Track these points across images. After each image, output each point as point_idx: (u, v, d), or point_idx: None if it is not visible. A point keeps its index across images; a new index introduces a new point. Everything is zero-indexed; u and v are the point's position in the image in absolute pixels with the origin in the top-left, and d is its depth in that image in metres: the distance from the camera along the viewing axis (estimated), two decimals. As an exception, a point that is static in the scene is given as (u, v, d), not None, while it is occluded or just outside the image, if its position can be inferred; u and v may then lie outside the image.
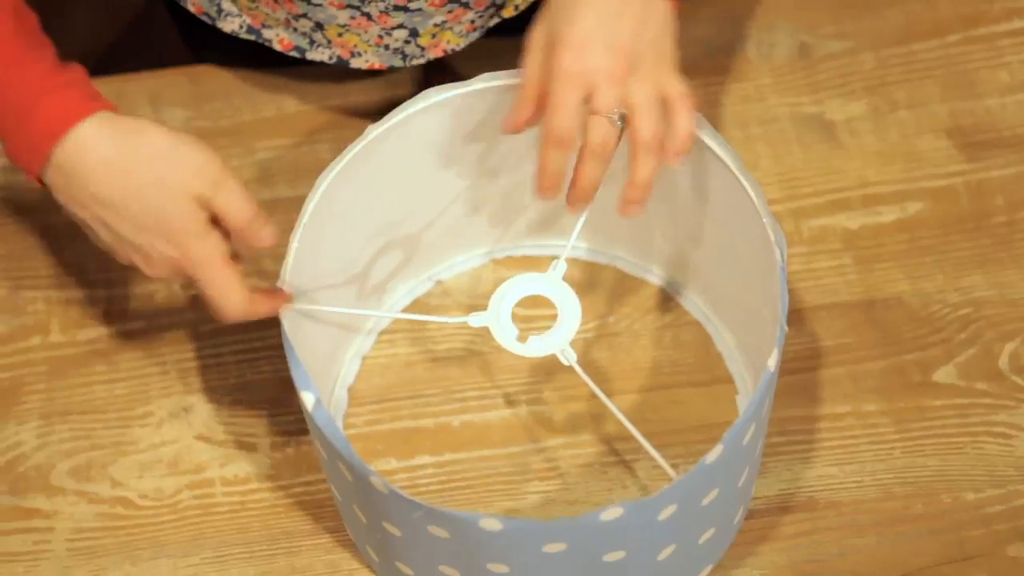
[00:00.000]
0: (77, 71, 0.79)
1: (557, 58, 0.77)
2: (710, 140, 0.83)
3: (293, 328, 0.79)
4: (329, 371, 0.90)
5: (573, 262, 0.95)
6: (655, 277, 0.95)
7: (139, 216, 0.76)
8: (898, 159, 0.99)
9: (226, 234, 0.78)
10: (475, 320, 0.82)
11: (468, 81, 0.84)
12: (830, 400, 0.90)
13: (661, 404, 0.90)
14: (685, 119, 0.78)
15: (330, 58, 0.97)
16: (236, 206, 0.77)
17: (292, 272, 0.80)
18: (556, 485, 0.88)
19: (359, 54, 0.97)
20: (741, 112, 1.01)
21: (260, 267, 0.96)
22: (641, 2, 0.77)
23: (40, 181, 0.78)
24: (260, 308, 0.78)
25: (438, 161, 0.88)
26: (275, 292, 0.79)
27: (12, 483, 0.89)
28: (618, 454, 0.88)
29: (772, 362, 0.76)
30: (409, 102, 0.84)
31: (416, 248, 0.93)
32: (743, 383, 0.91)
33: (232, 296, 0.77)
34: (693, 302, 0.94)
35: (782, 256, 0.79)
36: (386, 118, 0.84)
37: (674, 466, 0.83)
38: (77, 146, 0.76)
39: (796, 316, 0.93)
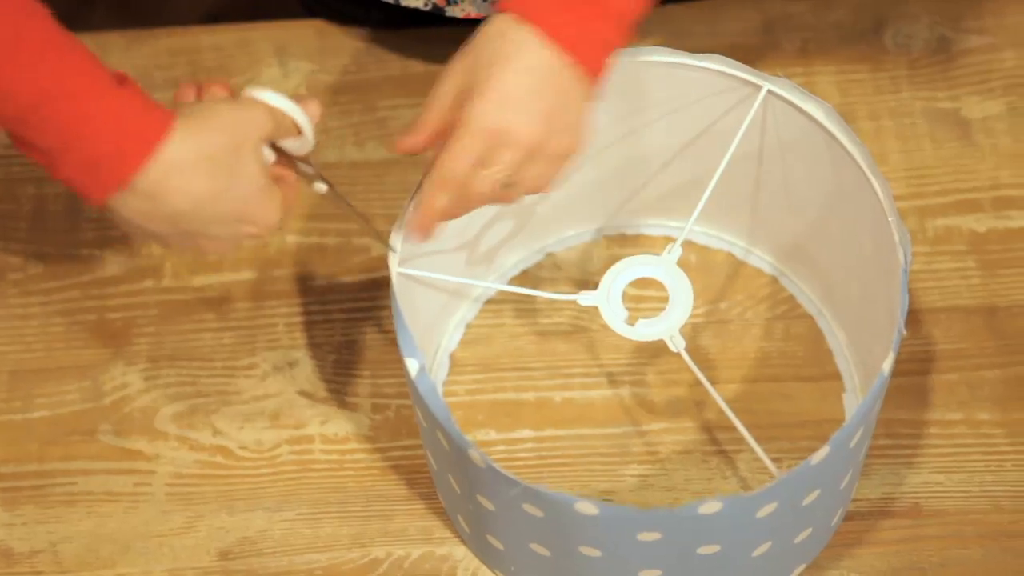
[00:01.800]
0: (119, 72, 0.67)
1: (471, 107, 0.73)
2: (841, 134, 0.81)
3: (402, 292, 0.78)
4: (433, 336, 0.90)
5: (687, 245, 0.94)
6: (769, 267, 0.94)
7: (220, 211, 0.71)
8: (1033, 163, 0.96)
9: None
10: (585, 299, 0.81)
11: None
12: (942, 406, 0.88)
13: (767, 396, 0.89)
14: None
15: (425, 4, 0.95)
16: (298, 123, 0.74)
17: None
18: (655, 469, 0.87)
19: (455, 2, 0.95)
20: (874, 103, 0.99)
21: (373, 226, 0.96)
22: (567, 80, 0.74)
23: (96, 200, 0.68)
24: (289, 207, 0.75)
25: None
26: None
27: (117, 423, 0.90)
28: (719, 444, 0.87)
29: (886, 366, 0.74)
30: None
31: (528, 219, 0.92)
32: (851, 381, 0.89)
33: (277, 220, 0.74)
34: (806, 295, 0.92)
35: (906, 258, 0.77)
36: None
37: (776, 460, 0.82)
38: (164, 170, 0.67)
39: (913, 317, 0.90)
